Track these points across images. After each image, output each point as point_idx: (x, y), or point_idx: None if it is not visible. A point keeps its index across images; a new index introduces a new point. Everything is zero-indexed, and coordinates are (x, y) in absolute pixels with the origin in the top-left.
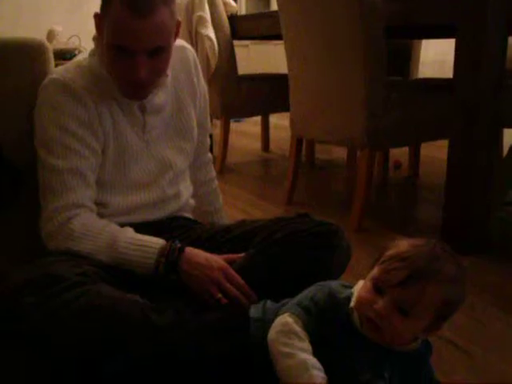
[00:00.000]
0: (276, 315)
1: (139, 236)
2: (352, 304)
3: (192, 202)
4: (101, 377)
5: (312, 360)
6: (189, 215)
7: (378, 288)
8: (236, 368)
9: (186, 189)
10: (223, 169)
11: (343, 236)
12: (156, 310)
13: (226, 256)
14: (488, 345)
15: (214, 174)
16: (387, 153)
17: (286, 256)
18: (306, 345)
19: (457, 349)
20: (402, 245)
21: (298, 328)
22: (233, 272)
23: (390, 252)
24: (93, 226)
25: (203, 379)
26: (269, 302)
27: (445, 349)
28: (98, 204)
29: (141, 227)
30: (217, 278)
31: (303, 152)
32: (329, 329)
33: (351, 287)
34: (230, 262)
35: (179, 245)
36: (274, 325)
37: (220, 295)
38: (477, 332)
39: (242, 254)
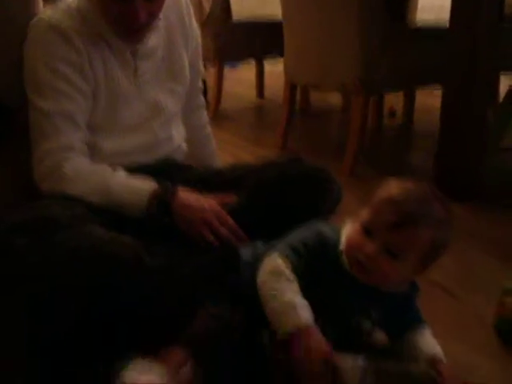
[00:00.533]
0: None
1: (131, 179)
2: (341, 246)
3: (184, 146)
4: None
5: (300, 301)
6: (181, 159)
7: (367, 231)
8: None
9: (178, 133)
10: (217, 115)
11: (334, 180)
12: (148, 252)
13: (218, 198)
14: (474, 288)
15: (206, 118)
16: (382, 100)
17: (277, 199)
18: (295, 286)
19: (444, 292)
20: (393, 187)
21: (287, 270)
22: (224, 214)
23: (381, 194)
24: (84, 169)
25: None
26: (259, 244)
27: (432, 291)
28: (90, 148)
29: (134, 170)
30: (209, 219)
31: (298, 99)
32: (318, 270)
33: (339, 229)
34: (222, 204)
35: (171, 187)
36: (263, 266)
37: (212, 237)
38: (464, 276)
39: (234, 196)
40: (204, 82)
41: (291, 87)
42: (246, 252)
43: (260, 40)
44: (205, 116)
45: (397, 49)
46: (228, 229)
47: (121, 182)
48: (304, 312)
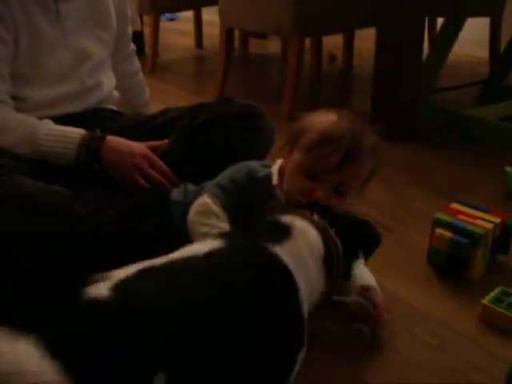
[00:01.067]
0: (196, 197)
1: (59, 127)
2: (274, 181)
3: (116, 93)
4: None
5: None
6: (113, 107)
7: (311, 176)
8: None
9: (107, 79)
10: (156, 67)
11: (266, 119)
12: (78, 199)
13: (149, 143)
14: (409, 221)
15: (138, 65)
16: (320, 45)
17: (208, 139)
18: (224, 224)
19: (381, 226)
20: (321, 124)
21: (216, 208)
22: (155, 158)
23: (312, 135)
24: (10, 119)
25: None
26: (190, 185)
27: None
28: (16, 98)
29: (63, 120)
30: (139, 163)
31: (237, 46)
32: (250, 205)
33: (270, 166)
34: (154, 149)
35: (100, 133)
36: (193, 206)
37: (143, 181)
38: (399, 210)
39: (165, 141)
40: (142, 34)
41: (227, 32)
42: (176, 192)
43: None
44: (136, 63)
45: None
46: (159, 172)
47: (48, 131)
48: None
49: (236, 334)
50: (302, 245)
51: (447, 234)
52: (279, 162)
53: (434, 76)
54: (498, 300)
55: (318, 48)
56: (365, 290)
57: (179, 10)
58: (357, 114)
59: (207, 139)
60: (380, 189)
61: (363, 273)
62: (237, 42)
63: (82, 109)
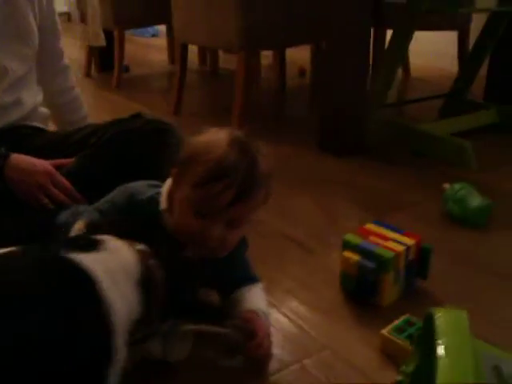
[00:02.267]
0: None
1: None
2: (162, 206)
3: (43, 110)
4: None
5: None
6: (40, 124)
7: (202, 214)
8: None
9: (29, 96)
10: (122, 82)
11: (174, 134)
12: None
13: (54, 161)
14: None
15: (72, 81)
16: (283, 58)
17: (112, 156)
18: None
19: (302, 248)
20: (209, 155)
21: None
22: (59, 176)
23: (199, 170)
24: None
25: None
26: (81, 206)
27: (289, 247)
28: None
29: None
30: (42, 182)
31: (208, 62)
32: (133, 232)
33: (160, 186)
34: (59, 167)
35: (4, 151)
36: (72, 231)
37: (46, 200)
38: (327, 231)
39: (72, 159)
40: (105, 48)
41: (182, 47)
42: (64, 214)
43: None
44: (71, 79)
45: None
46: (62, 190)
47: None
48: None
49: (24, 331)
50: (113, 259)
51: (355, 257)
52: (168, 182)
53: (385, 89)
54: (399, 330)
55: (281, 62)
56: (247, 315)
57: (142, 25)
58: (248, 136)
59: (111, 156)
60: (312, 207)
61: (253, 297)
62: (208, 58)
63: (0, 126)
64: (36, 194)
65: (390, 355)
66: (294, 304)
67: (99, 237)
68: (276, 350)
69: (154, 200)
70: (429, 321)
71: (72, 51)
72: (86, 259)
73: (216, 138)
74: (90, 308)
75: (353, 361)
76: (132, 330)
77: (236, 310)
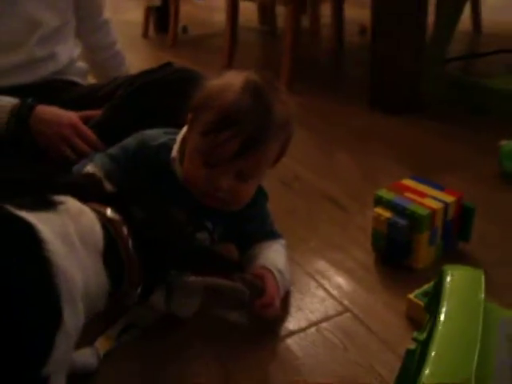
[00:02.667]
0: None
1: None
2: (174, 153)
3: (82, 65)
4: None
5: None
6: (78, 79)
7: (211, 164)
8: None
9: (65, 50)
10: (178, 42)
11: (201, 82)
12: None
13: (82, 113)
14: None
15: (112, 38)
16: (341, 15)
17: (138, 107)
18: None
19: (335, 205)
20: (220, 100)
21: None
22: (84, 127)
23: (208, 116)
24: None
25: None
26: (97, 156)
27: (321, 203)
28: None
29: (12, 91)
30: (66, 134)
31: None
32: (143, 177)
33: (177, 133)
34: (85, 119)
35: (30, 102)
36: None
37: (69, 151)
38: (364, 189)
39: (99, 111)
40: (160, 8)
41: (232, 4)
42: (81, 164)
43: None
44: (111, 35)
45: None
46: (87, 143)
47: None
48: None
49: None
50: (70, 224)
51: (386, 213)
52: (184, 129)
53: (444, 43)
54: (426, 294)
55: (339, 19)
56: (259, 271)
57: None
58: (268, 79)
59: (137, 107)
60: (352, 164)
61: (270, 253)
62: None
63: (32, 80)
64: (59, 145)
65: (415, 322)
66: (320, 263)
67: (62, 198)
68: (293, 311)
69: (165, 146)
70: (440, 280)
71: (131, 12)
72: (34, 217)
73: (231, 81)
74: (31, 267)
75: (373, 326)
76: (104, 303)
77: (250, 266)
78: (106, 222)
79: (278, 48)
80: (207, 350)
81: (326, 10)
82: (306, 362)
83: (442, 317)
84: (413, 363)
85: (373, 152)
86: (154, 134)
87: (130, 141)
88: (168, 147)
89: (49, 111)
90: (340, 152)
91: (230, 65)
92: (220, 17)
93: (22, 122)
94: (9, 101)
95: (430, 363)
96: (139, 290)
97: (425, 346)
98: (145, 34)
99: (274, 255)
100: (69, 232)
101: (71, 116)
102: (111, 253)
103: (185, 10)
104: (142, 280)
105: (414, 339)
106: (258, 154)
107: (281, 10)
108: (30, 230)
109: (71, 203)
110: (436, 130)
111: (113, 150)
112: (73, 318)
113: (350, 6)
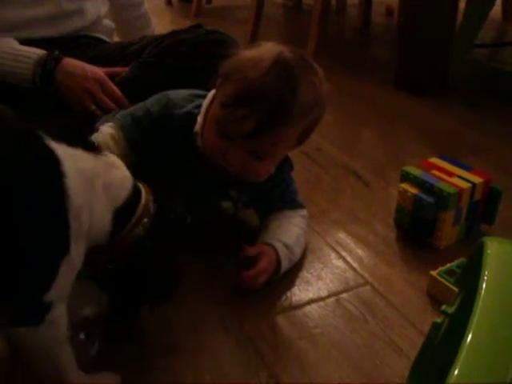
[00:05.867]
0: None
1: (20, 47)
2: (196, 128)
3: (108, 23)
4: None
5: None
6: (104, 37)
7: (225, 135)
8: None
9: (93, 6)
10: (201, 12)
11: (231, 45)
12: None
13: (108, 69)
14: (393, 178)
15: None
16: None
17: (166, 66)
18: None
19: (358, 180)
20: (246, 72)
21: (112, 144)
22: (110, 83)
23: (231, 87)
24: None
25: None
26: (120, 113)
27: (345, 177)
28: None
29: (40, 43)
30: (92, 89)
31: None
32: (167, 145)
33: (203, 97)
34: (112, 75)
35: (57, 54)
36: (99, 128)
37: (93, 106)
38: (388, 166)
39: (125, 68)
40: None
41: None
42: (103, 120)
43: None
44: None
45: None
46: (112, 99)
47: (7, 50)
48: None
49: None
50: (100, 167)
51: (412, 190)
52: (210, 94)
53: (475, 28)
54: (449, 273)
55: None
56: (260, 248)
57: None
58: (304, 58)
59: (164, 66)
60: (376, 141)
61: (284, 225)
62: None
63: (59, 33)
64: (84, 100)
65: (435, 298)
66: (341, 235)
67: (106, 152)
68: (313, 280)
69: (190, 116)
70: (478, 252)
71: None
72: (68, 152)
73: (263, 55)
74: (48, 194)
75: (393, 300)
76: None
77: (259, 237)
78: (141, 190)
79: (303, 23)
80: (226, 315)
81: None
82: (324, 331)
83: (483, 291)
84: (437, 337)
85: (397, 131)
86: (180, 99)
87: (155, 103)
88: (192, 117)
89: (75, 64)
90: (364, 129)
91: (254, 38)
92: None
93: (47, 74)
94: (35, 52)
95: (464, 355)
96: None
97: (452, 320)
98: (168, 2)
99: (285, 227)
100: (95, 174)
101: (97, 71)
102: (124, 213)
103: None
104: (121, 260)
105: (443, 312)
106: (273, 136)
107: None
108: (54, 161)
109: (112, 157)
110: (461, 114)
111: (137, 111)
112: (77, 252)
113: None
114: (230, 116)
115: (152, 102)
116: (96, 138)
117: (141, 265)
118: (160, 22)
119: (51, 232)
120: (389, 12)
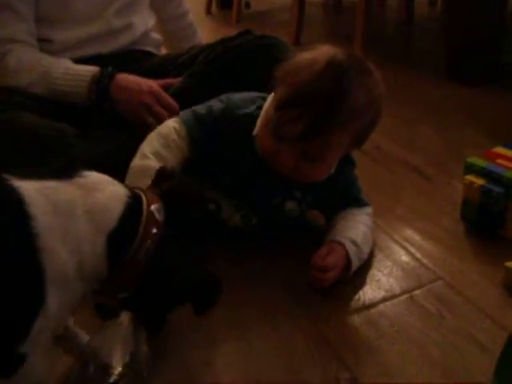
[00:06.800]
0: None
1: (74, 66)
2: (255, 130)
3: (155, 36)
4: None
5: (152, 162)
6: (153, 49)
7: (276, 136)
8: None
9: (140, 21)
10: (242, 18)
11: (283, 49)
12: (81, 136)
13: (162, 81)
14: (454, 171)
15: (185, 8)
16: None
17: (219, 73)
18: (172, 156)
19: (420, 174)
20: (299, 76)
21: (175, 136)
22: (164, 95)
23: (283, 89)
24: (29, 59)
25: None
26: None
27: (407, 174)
28: (42, 41)
29: (91, 61)
30: (147, 101)
31: None
32: (228, 146)
33: (265, 99)
34: (165, 86)
35: (111, 71)
36: (163, 123)
37: (151, 119)
38: (448, 159)
39: (179, 78)
40: None
41: None
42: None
43: None
44: (183, 6)
45: None
46: (168, 109)
47: (63, 70)
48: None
49: None
50: (77, 193)
51: (479, 181)
52: (270, 97)
53: None
54: None
55: None
56: (329, 245)
57: None
58: (359, 60)
59: (218, 73)
60: (434, 135)
61: (350, 223)
62: None
63: (110, 50)
64: (141, 113)
65: None
66: (408, 232)
67: (87, 172)
68: (384, 278)
69: (250, 117)
70: None
71: None
72: (35, 186)
73: (317, 58)
74: (12, 245)
75: (469, 294)
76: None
77: (327, 235)
78: (141, 201)
79: (345, 21)
80: (299, 312)
81: None
82: (401, 329)
83: None
84: None
85: (454, 123)
86: (242, 100)
87: (218, 103)
88: (253, 118)
89: (129, 79)
90: (420, 123)
91: (298, 40)
92: None
93: (103, 91)
94: (89, 69)
95: None
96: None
97: None
98: (208, 11)
99: (351, 225)
100: (72, 204)
101: (152, 84)
102: (122, 236)
103: None
104: (134, 287)
105: None
106: (324, 137)
107: None
108: (18, 204)
109: (93, 177)
110: None
111: (200, 109)
112: (60, 298)
113: None
114: (283, 117)
115: (214, 102)
116: (160, 129)
117: (159, 284)
118: (202, 30)
119: (19, 282)
120: (432, 2)
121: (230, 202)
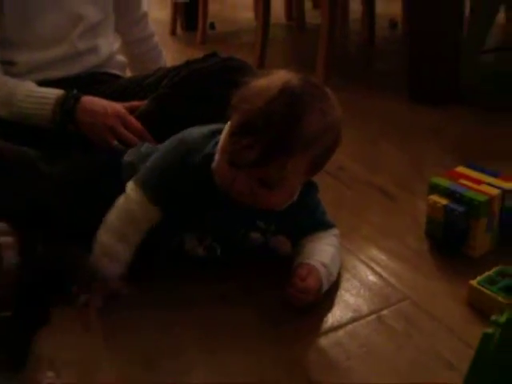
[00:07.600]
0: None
1: (38, 88)
2: (213, 165)
3: (120, 58)
4: None
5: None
6: (118, 72)
7: (233, 163)
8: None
9: (106, 44)
10: (207, 39)
11: (247, 71)
12: (45, 159)
13: (128, 103)
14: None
15: (151, 30)
16: (373, 9)
17: (184, 96)
18: (135, 238)
19: (383, 194)
20: (252, 102)
21: (137, 211)
22: (130, 117)
23: (237, 117)
24: None
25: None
26: (145, 146)
27: (371, 193)
28: (5, 63)
29: (57, 83)
30: (112, 124)
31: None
32: (188, 189)
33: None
34: (131, 109)
35: (76, 94)
36: (118, 204)
37: (116, 142)
38: (411, 178)
39: (144, 101)
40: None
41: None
42: (130, 152)
43: None
44: (149, 28)
45: None
46: (133, 132)
47: (27, 93)
48: (110, 262)
49: None
50: None
51: (442, 201)
52: (227, 127)
53: (483, 33)
54: (490, 281)
55: (370, 13)
56: (305, 269)
57: None
58: (314, 84)
59: (183, 96)
60: (397, 154)
61: (314, 247)
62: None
63: (75, 72)
64: (106, 136)
65: (478, 309)
66: (374, 251)
67: None
68: (352, 299)
69: (209, 158)
70: None
71: (158, 9)
72: None
73: (271, 84)
74: None
75: (435, 313)
76: None
77: (296, 260)
78: None
79: (309, 43)
80: (268, 335)
81: (353, 5)
82: (371, 350)
83: None
84: (490, 348)
85: (417, 143)
86: (197, 142)
87: (170, 153)
88: (211, 158)
89: (95, 102)
90: (383, 143)
91: (262, 62)
92: (244, 14)
93: (67, 113)
94: (53, 92)
95: None
96: None
97: (507, 328)
98: (173, 32)
99: (320, 248)
100: None
101: (117, 106)
102: None
103: (211, 7)
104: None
105: (494, 322)
106: (280, 164)
107: (308, 6)
108: None
109: None
110: (478, 120)
111: (156, 164)
112: None
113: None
114: (236, 144)
115: (168, 151)
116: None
117: None
118: (167, 52)
119: None
120: (392, 24)
121: (191, 234)
